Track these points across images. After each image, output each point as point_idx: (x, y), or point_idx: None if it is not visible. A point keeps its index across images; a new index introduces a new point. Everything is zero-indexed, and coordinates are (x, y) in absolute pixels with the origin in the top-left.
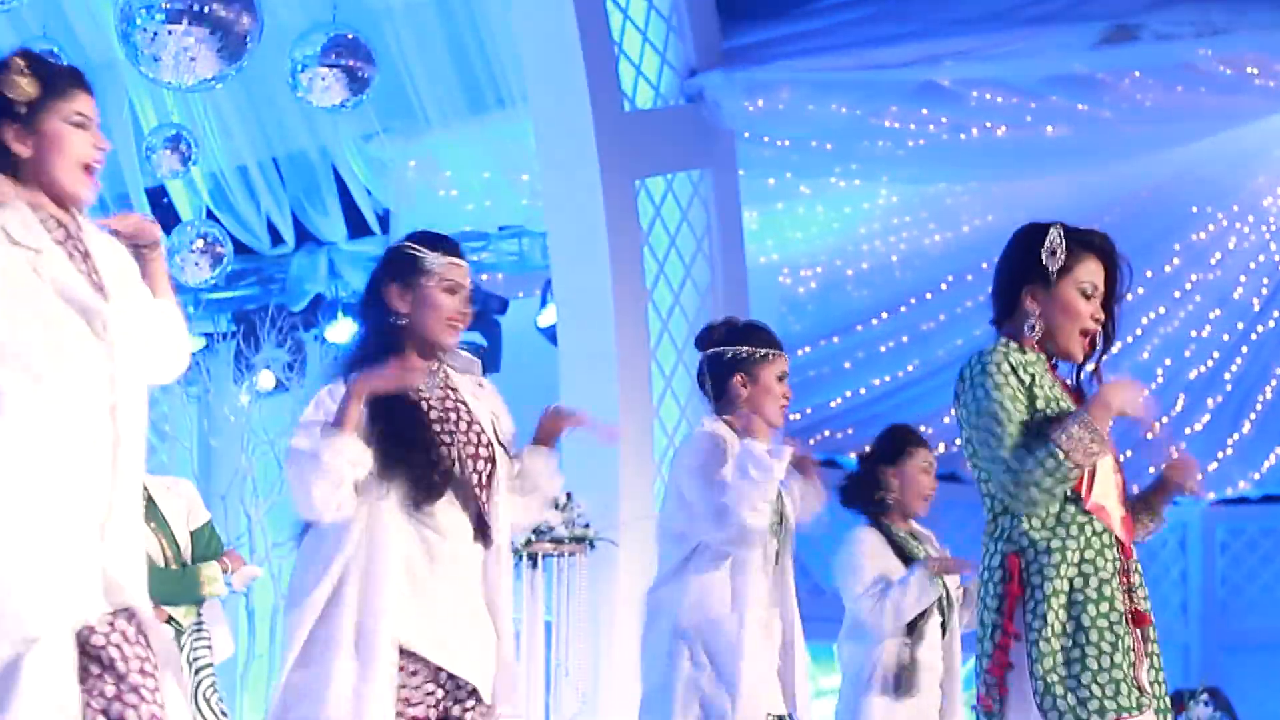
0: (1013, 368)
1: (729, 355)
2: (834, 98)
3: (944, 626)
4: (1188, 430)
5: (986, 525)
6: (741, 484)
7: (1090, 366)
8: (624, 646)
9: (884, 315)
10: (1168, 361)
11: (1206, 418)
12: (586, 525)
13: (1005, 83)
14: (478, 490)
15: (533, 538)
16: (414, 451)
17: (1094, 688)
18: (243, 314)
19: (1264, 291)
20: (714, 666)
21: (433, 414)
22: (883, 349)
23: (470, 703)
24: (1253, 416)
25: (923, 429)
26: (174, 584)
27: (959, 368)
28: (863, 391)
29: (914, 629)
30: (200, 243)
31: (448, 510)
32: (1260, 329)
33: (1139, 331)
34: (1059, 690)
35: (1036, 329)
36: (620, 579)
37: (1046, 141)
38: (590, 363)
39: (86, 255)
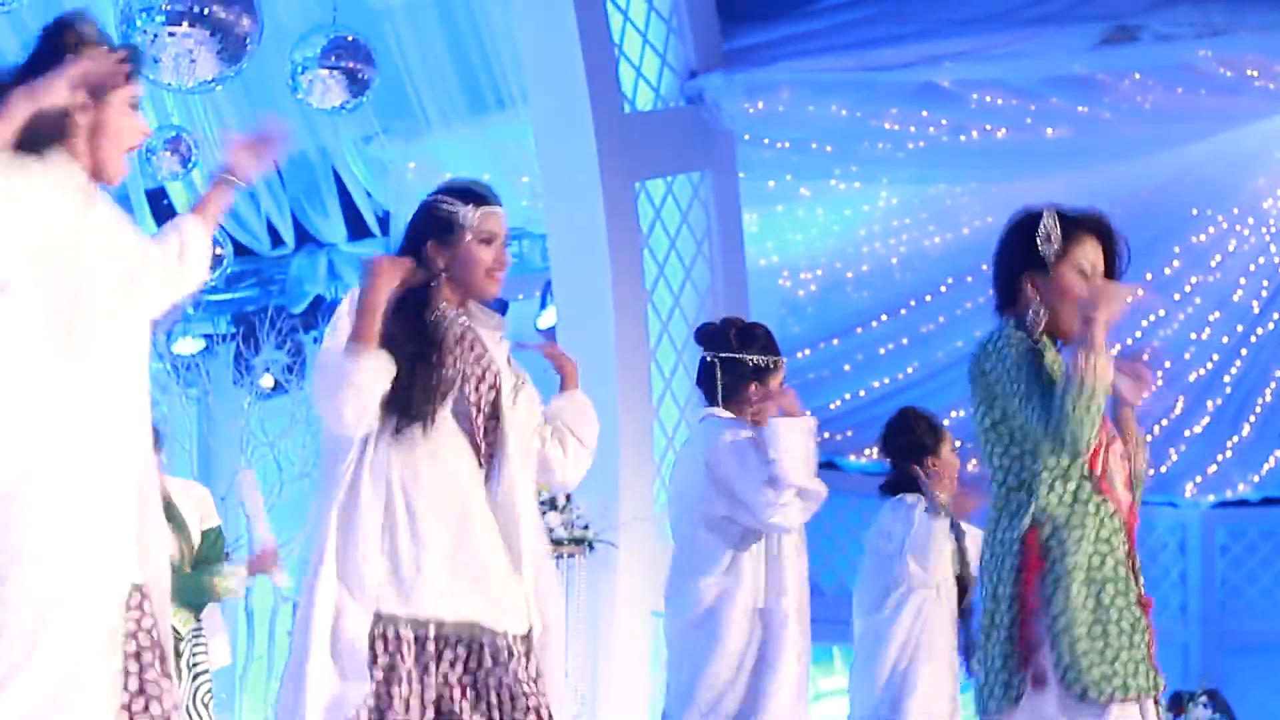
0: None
1: (747, 363)
2: (834, 99)
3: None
4: (1187, 433)
5: (995, 503)
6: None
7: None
8: (623, 648)
9: (884, 317)
10: (1167, 364)
11: (1206, 420)
12: (585, 527)
13: (1005, 84)
14: (476, 414)
15: None
16: (421, 360)
17: (1117, 664)
18: (242, 315)
19: (1264, 294)
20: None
21: (448, 339)
22: (883, 351)
23: (461, 648)
24: (1252, 419)
25: None
26: (194, 586)
27: (969, 359)
28: (862, 394)
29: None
30: None
31: (446, 433)
32: (1260, 331)
33: (1138, 334)
34: (1084, 664)
35: (1040, 315)
36: (619, 580)
37: (1046, 143)
38: (590, 364)
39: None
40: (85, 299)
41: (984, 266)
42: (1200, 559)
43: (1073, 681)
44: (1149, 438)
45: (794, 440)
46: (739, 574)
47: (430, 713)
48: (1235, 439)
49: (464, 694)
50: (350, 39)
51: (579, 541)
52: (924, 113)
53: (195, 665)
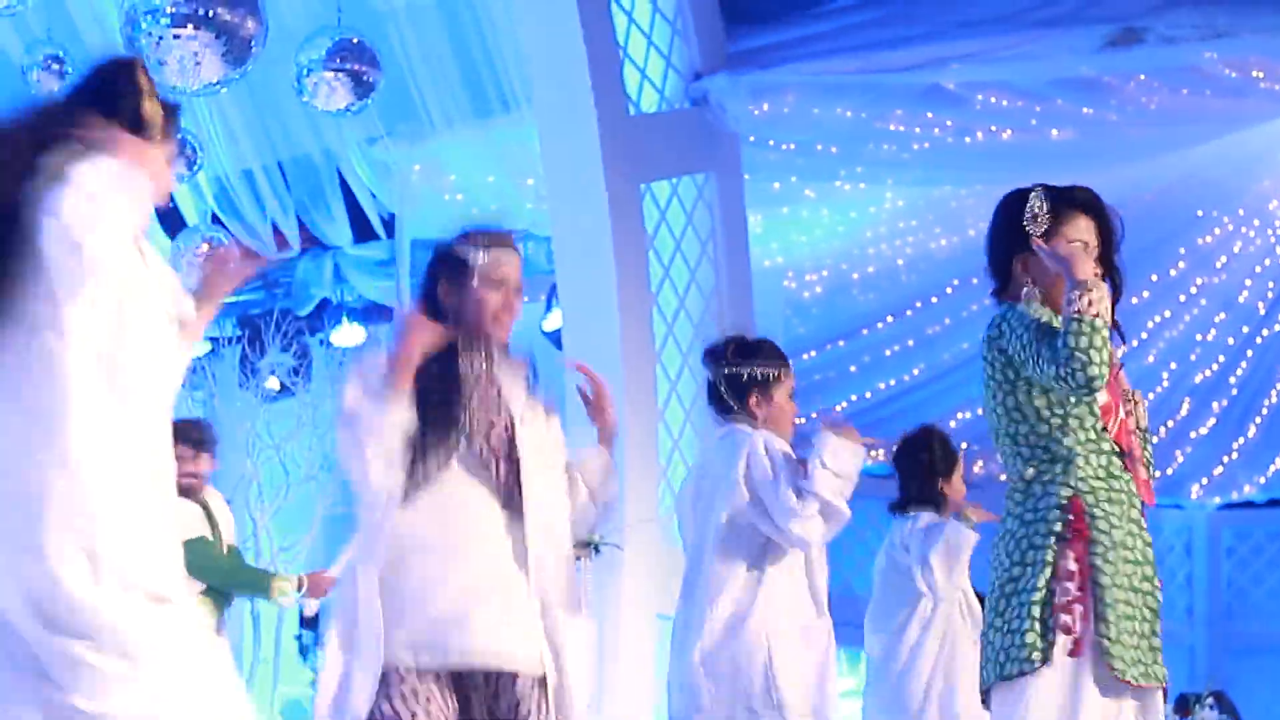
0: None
1: (745, 376)
2: (839, 101)
3: None
4: (1193, 434)
5: (1020, 481)
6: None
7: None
8: (629, 650)
9: (890, 319)
10: (1173, 365)
11: (1212, 422)
12: (591, 529)
13: (1011, 86)
14: (494, 462)
15: None
16: (439, 408)
17: (1144, 649)
18: (248, 319)
19: (1269, 295)
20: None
21: (466, 386)
22: (888, 353)
23: (490, 687)
24: (1258, 420)
25: None
26: (250, 577)
27: (981, 346)
28: (868, 395)
29: None
30: (205, 247)
31: (455, 483)
32: (1266, 333)
33: (1144, 335)
34: (1125, 641)
35: (1034, 294)
36: (625, 583)
37: (1052, 145)
38: (594, 366)
39: None
40: (130, 345)
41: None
42: (1206, 561)
43: (1113, 657)
44: (1154, 439)
45: (844, 461)
46: (764, 589)
47: None
48: (1241, 441)
49: None
50: (355, 41)
51: (585, 544)
52: (929, 114)
53: None
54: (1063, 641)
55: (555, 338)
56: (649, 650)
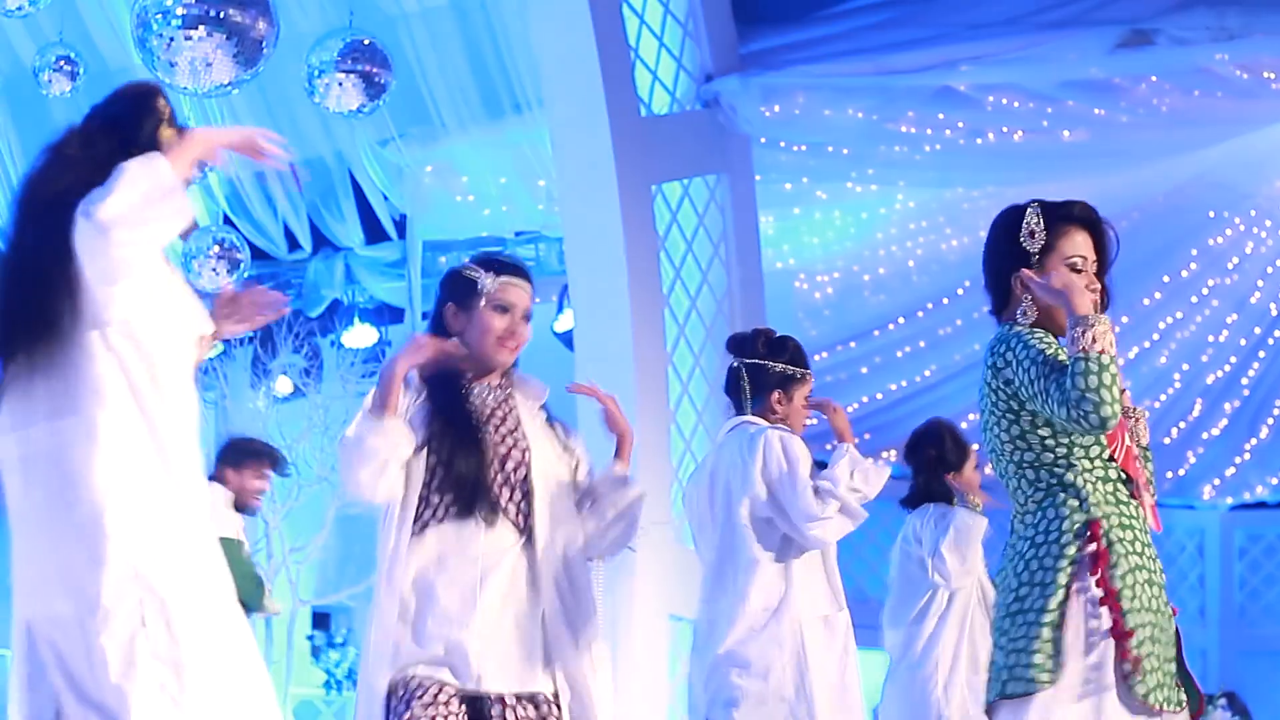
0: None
1: (772, 370)
2: (850, 103)
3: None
4: (1205, 435)
5: (1028, 504)
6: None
7: None
8: (641, 651)
9: (901, 320)
10: (1185, 366)
11: (1224, 422)
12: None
13: (1022, 87)
14: (510, 492)
15: None
16: (460, 450)
17: (1160, 672)
18: None
19: None
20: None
21: (487, 424)
22: (899, 354)
23: (509, 704)
24: (1270, 421)
25: None
26: (253, 586)
27: (985, 356)
28: (879, 396)
29: None
30: (217, 248)
31: (477, 523)
32: (1278, 334)
33: (1156, 336)
34: (1147, 666)
35: (1028, 313)
36: (637, 584)
37: (1063, 146)
38: (607, 368)
39: None
40: (163, 355)
41: None
42: (1218, 561)
43: (1135, 683)
44: (1166, 440)
45: (871, 485)
46: (790, 582)
47: None
48: (1253, 441)
49: None
50: (367, 43)
51: None
52: (941, 116)
53: None
54: (1088, 670)
55: (567, 339)
56: (661, 651)
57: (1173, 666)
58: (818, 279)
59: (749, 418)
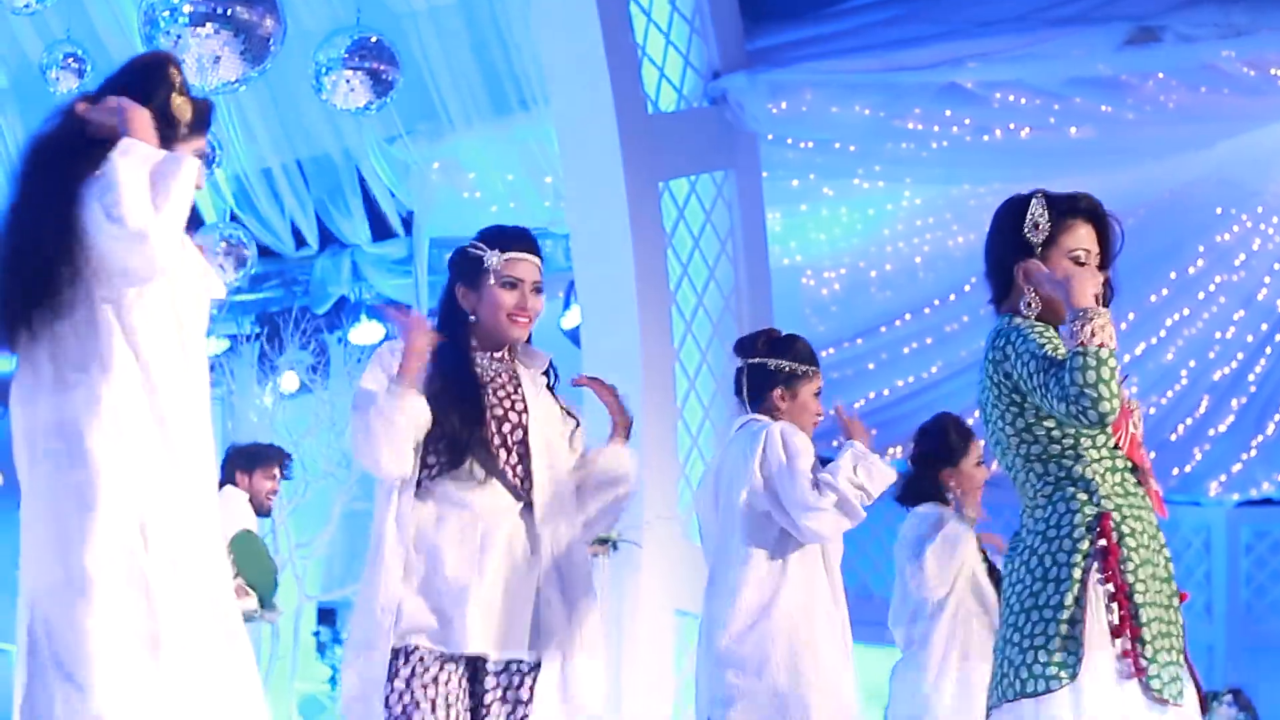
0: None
1: (772, 367)
2: (857, 99)
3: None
4: (1211, 432)
5: (1036, 499)
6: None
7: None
8: (647, 646)
9: (907, 317)
10: (1192, 363)
11: (1230, 419)
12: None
13: (1029, 84)
14: (507, 455)
15: None
16: (458, 405)
17: (1172, 666)
18: (266, 316)
19: None
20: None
21: (481, 382)
22: (906, 350)
23: (503, 675)
24: (1277, 418)
25: None
26: (270, 579)
27: (985, 350)
28: (886, 393)
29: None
30: (224, 245)
31: (474, 473)
32: None
33: (1163, 333)
34: (1160, 660)
35: (1032, 305)
36: (643, 579)
37: (1070, 143)
38: (613, 365)
39: None
40: (170, 326)
41: None
42: (1225, 558)
43: (1151, 676)
44: (1172, 437)
45: (874, 481)
46: (785, 578)
47: None
48: (1260, 438)
49: None
50: (374, 40)
51: (603, 540)
52: (947, 113)
53: None
54: (1114, 660)
55: (574, 335)
56: (668, 646)
57: (1181, 658)
58: (824, 275)
59: (755, 416)
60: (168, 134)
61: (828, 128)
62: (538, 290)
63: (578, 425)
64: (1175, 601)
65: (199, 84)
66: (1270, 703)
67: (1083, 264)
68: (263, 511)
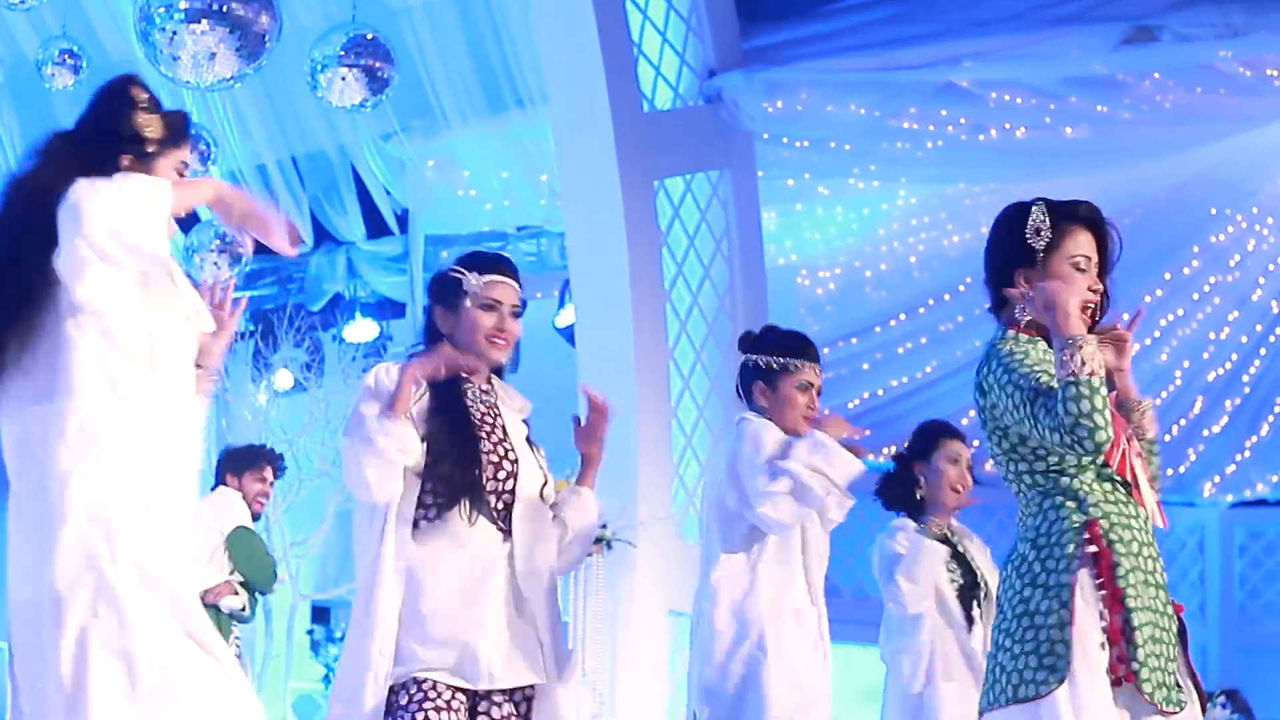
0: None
1: (751, 364)
2: (853, 99)
3: (973, 615)
4: (1206, 432)
5: (1029, 507)
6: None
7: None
8: (641, 646)
9: (902, 316)
10: (1186, 363)
11: (1225, 420)
12: (604, 526)
13: (1024, 84)
14: (493, 496)
15: None
16: (458, 449)
17: (1163, 672)
18: (261, 313)
19: None
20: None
21: (478, 424)
22: (901, 350)
23: (499, 700)
24: (1271, 419)
25: None
26: (269, 573)
27: (977, 369)
28: (881, 393)
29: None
30: (218, 242)
31: (466, 520)
32: (1279, 331)
33: (1157, 333)
34: (1152, 664)
35: (1028, 312)
36: (637, 579)
37: (1066, 143)
38: (608, 363)
39: None
40: (147, 348)
41: None
42: (1219, 559)
43: (1143, 680)
44: (1167, 437)
45: (835, 467)
46: (756, 574)
47: None
48: (1254, 439)
49: None
50: (369, 37)
51: (597, 540)
52: (943, 112)
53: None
54: (1105, 665)
55: (568, 334)
56: (661, 646)
57: (1174, 666)
58: (819, 275)
59: (744, 414)
60: (143, 153)
61: (823, 127)
62: (516, 314)
63: (547, 478)
64: (1170, 609)
65: (194, 80)
66: (1265, 703)
67: (1083, 270)
68: (252, 513)
